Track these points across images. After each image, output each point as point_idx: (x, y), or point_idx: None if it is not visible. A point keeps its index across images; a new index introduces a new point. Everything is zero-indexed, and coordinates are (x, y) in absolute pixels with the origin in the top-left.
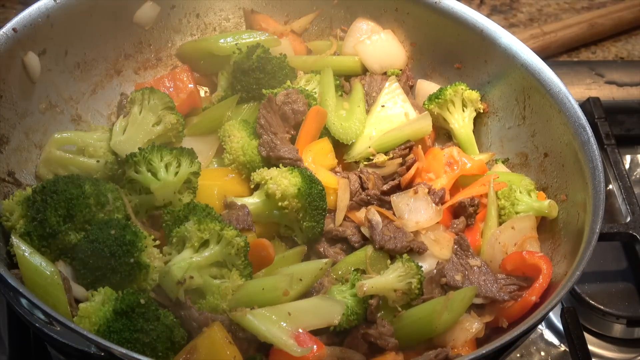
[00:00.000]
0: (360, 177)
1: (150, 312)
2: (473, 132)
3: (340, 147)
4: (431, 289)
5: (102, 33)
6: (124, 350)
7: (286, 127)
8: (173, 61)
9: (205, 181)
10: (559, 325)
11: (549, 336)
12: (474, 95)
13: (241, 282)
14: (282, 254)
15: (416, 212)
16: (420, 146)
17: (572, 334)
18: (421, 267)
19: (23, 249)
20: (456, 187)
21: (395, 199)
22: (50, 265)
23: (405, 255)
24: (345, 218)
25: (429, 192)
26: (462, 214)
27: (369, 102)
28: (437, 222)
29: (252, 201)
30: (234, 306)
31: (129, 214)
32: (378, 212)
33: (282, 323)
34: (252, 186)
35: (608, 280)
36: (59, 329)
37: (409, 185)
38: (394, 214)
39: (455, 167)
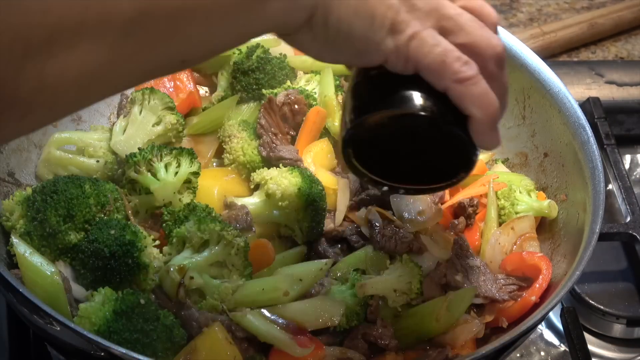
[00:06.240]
0: None
1: (150, 312)
2: None
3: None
4: (431, 289)
5: None
6: (124, 350)
7: (286, 128)
8: None
9: (205, 181)
10: (559, 325)
11: (549, 336)
12: None
13: (241, 282)
14: (282, 254)
15: (416, 212)
16: None
17: (572, 334)
18: (421, 267)
19: (23, 249)
20: (456, 187)
21: (394, 199)
22: (50, 265)
23: (405, 255)
24: (345, 218)
25: None
26: (462, 214)
27: None
28: (437, 222)
29: (252, 201)
30: (234, 306)
31: (128, 214)
32: (378, 212)
33: None
34: (252, 186)
35: (608, 280)
36: (59, 329)
37: None
38: (393, 214)
39: None
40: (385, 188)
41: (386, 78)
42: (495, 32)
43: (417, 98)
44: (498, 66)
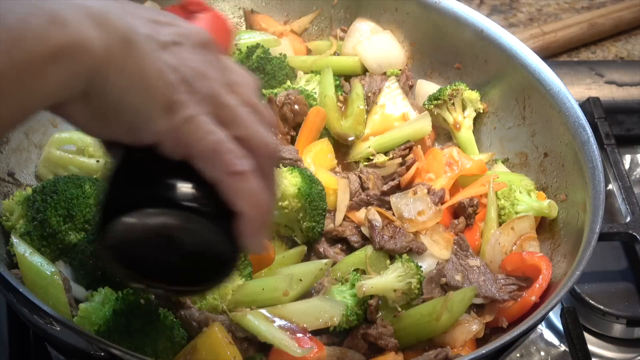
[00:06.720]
0: (360, 178)
1: (150, 312)
2: (473, 132)
3: (340, 148)
4: (431, 289)
5: None
6: (124, 350)
7: (286, 128)
8: None
9: None
10: (559, 325)
11: (549, 336)
12: (474, 95)
13: (241, 282)
14: (282, 254)
15: (416, 212)
16: (420, 146)
17: (572, 334)
18: (421, 267)
19: (23, 249)
20: (456, 187)
21: (394, 199)
22: (50, 265)
23: (405, 255)
24: (345, 218)
25: (428, 192)
26: (462, 214)
27: (369, 102)
28: (437, 222)
29: None
30: (234, 306)
31: None
32: (378, 212)
33: None
34: None
35: (608, 280)
36: (59, 329)
37: (409, 185)
38: (393, 214)
39: (455, 167)
40: (142, 286)
41: (152, 163)
42: (271, 132)
43: (182, 188)
44: (271, 166)
